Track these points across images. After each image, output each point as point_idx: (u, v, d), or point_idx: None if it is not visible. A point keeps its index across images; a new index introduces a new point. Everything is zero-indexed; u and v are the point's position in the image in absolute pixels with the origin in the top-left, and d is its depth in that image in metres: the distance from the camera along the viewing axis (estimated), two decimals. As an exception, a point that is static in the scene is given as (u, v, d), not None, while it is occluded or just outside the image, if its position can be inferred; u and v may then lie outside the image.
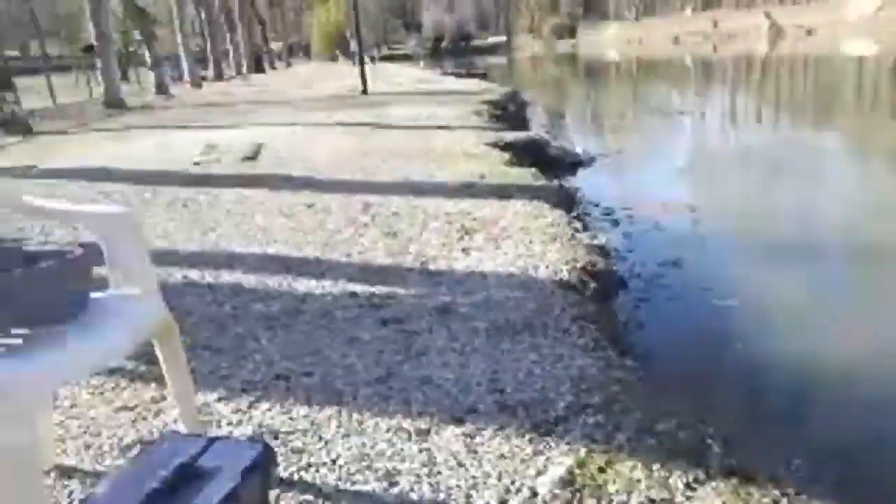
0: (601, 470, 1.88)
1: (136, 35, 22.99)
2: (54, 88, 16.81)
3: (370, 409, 2.22)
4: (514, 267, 3.60)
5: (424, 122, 9.87)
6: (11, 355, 1.44)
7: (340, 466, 1.93)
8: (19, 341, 1.50)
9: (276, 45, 51.83)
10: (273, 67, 42.75)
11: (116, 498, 1.36)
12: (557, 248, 3.88)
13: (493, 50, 69.10)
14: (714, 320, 3.64)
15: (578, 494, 1.79)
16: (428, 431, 2.08)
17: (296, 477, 1.90)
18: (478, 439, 2.04)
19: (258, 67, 37.69)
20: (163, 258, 3.91)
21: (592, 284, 3.56)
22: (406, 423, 2.13)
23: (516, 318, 2.91)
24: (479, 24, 78.76)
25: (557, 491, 1.79)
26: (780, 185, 7.23)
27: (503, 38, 76.44)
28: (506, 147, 7.65)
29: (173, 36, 25.91)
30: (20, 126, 10.86)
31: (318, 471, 1.92)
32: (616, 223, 5.55)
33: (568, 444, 2.00)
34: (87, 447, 2.10)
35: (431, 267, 3.69)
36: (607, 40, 64.94)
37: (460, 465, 1.92)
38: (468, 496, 1.80)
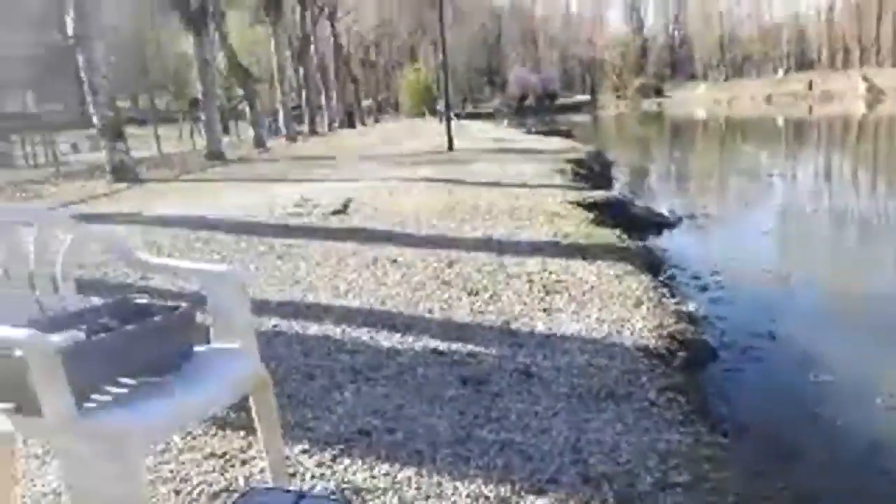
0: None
1: (239, 92, 24.42)
2: (160, 139, 17.98)
3: (450, 472, 2.22)
4: (598, 331, 3.55)
5: (508, 179, 9.96)
6: (120, 405, 1.53)
7: (420, 530, 1.93)
8: (126, 391, 1.59)
9: (366, 102, 53.86)
10: (363, 123, 44.34)
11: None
12: (644, 314, 3.80)
13: (577, 108, 69.42)
14: (810, 397, 3.45)
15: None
16: (509, 501, 2.05)
17: (376, 537, 1.90)
18: (560, 512, 1.99)
19: (349, 123, 39.19)
20: (254, 307, 4.06)
21: (681, 353, 3.46)
22: (487, 490, 2.11)
23: (600, 385, 2.85)
24: (564, 83, 79.50)
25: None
26: (877, 254, 6.88)
27: (587, 97, 76.77)
28: (590, 206, 7.62)
29: (272, 93, 27.37)
30: (129, 173, 11.63)
31: (397, 532, 1.92)
32: (704, 289, 5.39)
33: (654, 523, 1.93)
34: (177, 493, 2.17)
35: (513, 326, 3.68)
36: (695, 100, 64.19)
37: (541, 537, 1.88)
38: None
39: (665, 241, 7.28)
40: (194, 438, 2.52)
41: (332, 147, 21.01)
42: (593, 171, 12.66)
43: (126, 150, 11.81)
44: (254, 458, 2.34)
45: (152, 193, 10.19)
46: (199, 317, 1.86)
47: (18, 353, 1.40)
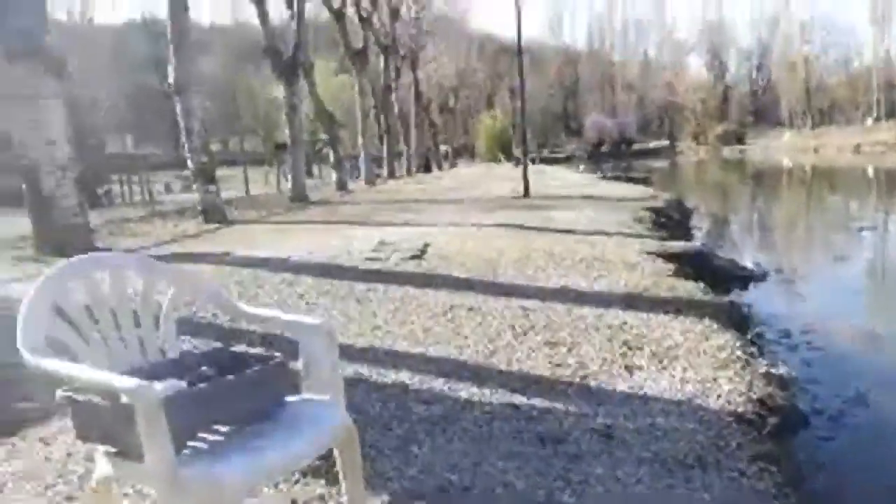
0: None
1: (323, 136, 25.31)
2: (247, 180, 18.76)
3: (530, 536, 2.17)
4: (682, 392, 3.44)
5: (584, 226, 9.88)
6: (216, 454, 1.58)
7: None
8: (221, 438, 1.64)
9: (443, 147, 54.83)
10: (440, 168, 45.10)
11: None
12: (730, 376, 3.66)
13: (654, 154, 68.49)
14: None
15: None
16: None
17: None
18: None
19: (426, 167, 39.93)
20: (334, 352, 4.14)
21: (771, 419, 3.30)
22: (567, 557, 2.05)
23: (686, 451, 2.75)
24: (641, 128, 78.71)
25: None
26: None
27: (665, 143, 75.67)
28: (670, 257, 7.44)
29: (354, 137, 28.23)
30: (218, 214, 12.16)
31: None
32: (794, 349, 5.16)
33: None
34: (261, 539, 2.21)
35: (592, 383, 3.61)
36: (779, 148, 62.21)
37: None
38: None
39: (751, 297, 7.02)
40: (277, 484, 2.56)
41: (410, 191, 21.41)
42: (672, 220, 12.40)
43: (217, 193, 12.38)
44: (334, 508, 2.35)
45: (240, 234, 10.60)
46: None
47: (124, 399, 1.48)
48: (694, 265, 7.44)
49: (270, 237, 9.93)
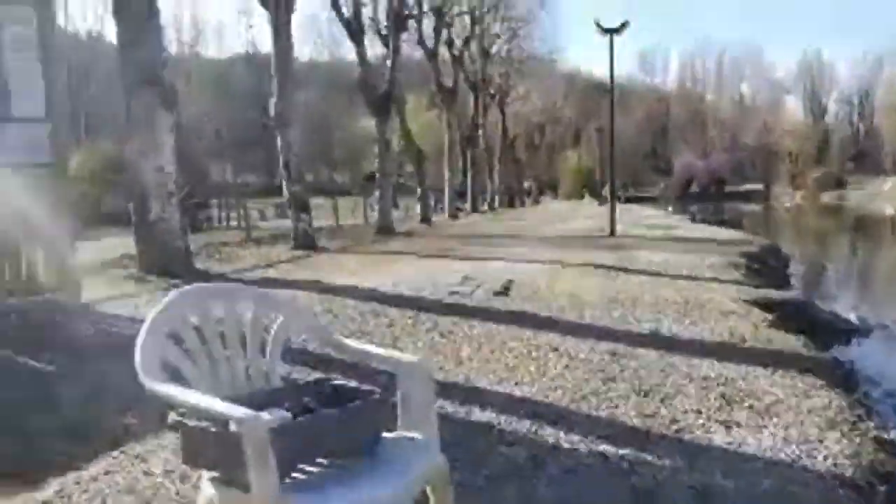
0: None
1: (408, 169, 25.82)
2: (336, 210, 19.31)
3: None
4: (784, 452, 3.24)
5: (675, 270, 9.60)
6: (316, 487, 1.59)
7: None
8: (320, 470, 1.65)
9: (526, 183, 54.84)
10: (522, 203, 45.07)
11: None
12: (837, 438, 3.43)
13: (746, 197, 66.07)
14: None
15: None
16: None
17: None
18: None
19: (510, 203, 39.99)
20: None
21: (881, 487, 3.07)
22: None
23: (791, 517, 2.58)
24: (734, 170, 76.19)
25: None
26: None
27: (759, 186, 72.83)
28: (767, 306, 7.12)
29: (439, 171, 28.68)
30: (309, 242, 12.56)
31: None
32: (906, 412, 4.80)
33: None
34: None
35: (686, 437, 3.46)
36: (881, 196, 58.88)
37: None
38: None
39: (855, 353, 6.61)
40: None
41: (493, 226, 21.47)
42: (768, 267, 11.91)
43: (309, 222, 12.81)
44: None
45: (329, 262, 10.89)
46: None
47: (233, 427, 1.51)
48: (793, 316, 7.09)
49: (358, 267, 10.15)
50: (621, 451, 3.21)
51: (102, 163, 21.76)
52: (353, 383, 1.91)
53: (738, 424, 3.62)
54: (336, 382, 1.92)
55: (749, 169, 78.30)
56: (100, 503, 2.69)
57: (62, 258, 6.16)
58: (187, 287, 1.90)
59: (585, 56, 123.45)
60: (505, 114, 41.31)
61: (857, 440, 3.46)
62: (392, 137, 19.53)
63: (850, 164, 74.57)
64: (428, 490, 1.89)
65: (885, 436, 3.76)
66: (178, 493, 2.69)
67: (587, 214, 28.31)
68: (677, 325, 5.98)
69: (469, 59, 31.26)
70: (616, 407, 3.86)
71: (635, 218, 24.93)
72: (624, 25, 16.55)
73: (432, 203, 24.84)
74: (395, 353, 1.97)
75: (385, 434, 1.84)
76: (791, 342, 5.55)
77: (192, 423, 1.61)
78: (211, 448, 1.59)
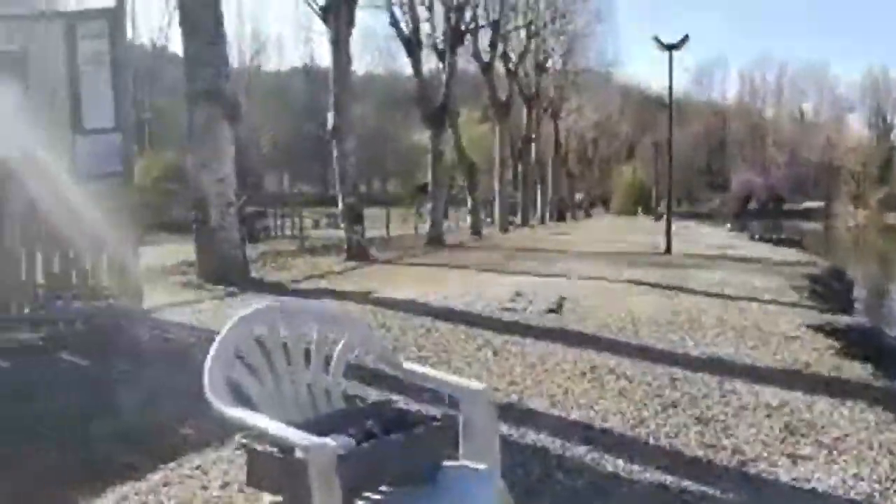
0: None
1: (460, 181, 25.88)
2: (388, 220, 19.47)
3: None
4: (856, 491, 3.09)
5: (734, 291, 9.33)
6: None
7: None
8: (382, 498, 1.63)
9: (578, 196, 54.36)
10: (574, 217, 44.66)
11: None
12: (915, 477, 3.25)
13: (805, 215, 63.95)
14: None
15: None
16: None
17: None
18: None
19: (560, 216, 39.68)
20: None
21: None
22: None
23: (867, 564, 2.44)
24: (793, 188, 73.95)
25: None
26: None
27: (819, 204, 70.45)
28: (832, 332, 6.85)
29: (489, 183, 28.67)
30: (362, 253, 12.66)
31: None
32: None
33: None
34: None
35: (751, 470, 3.33)
36: (953, 216, 56.36)
37: None
38: None
39: (929, 384, 6.27)
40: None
41: (544, 240, 21.30)
42: (831, 290, 11.47)
43: (362, 233, 12.93)
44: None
45: (381, 274, 10.95)
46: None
47: (299, 454, 1.50)
48: (859, 343, 6.79)
49: (409, 279, 10.17)
50: (683, 484, 3.11)
51: (165, 171, 22.47)
52: (414, 407, 1.88)
53: (805, 458, 3.48)
54: (398, 406, 1.90)
55: (809, 186, 75.87)
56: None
57: (126, 265, 6.34)
58: (257, 306, 1.92)
59: (641, 70, 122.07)
60: (558, 127, 41.09)
61: (937, 481, 3.27)
62: (445, 150, 19.61)
63: (919, 182, 71.52)
64: (488, 520, 1.84)
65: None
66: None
67: (640, 230, 27.85)
68: (737, 350, 5.81)
69: (524, 72, 31.22)
70: (676, 436, 3.74)
71: (692, 235, 24.43)
72: (684, 41, 16.29)
73: (483, 217, 24.80)
74: (459, 380, 1.95)
75: (446, 462, 1.81)
76: (857, 370, 5.32)
77: (258, 446, 1.62)
78: (276, 472, 1.58)
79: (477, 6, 21.76)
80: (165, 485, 2.97)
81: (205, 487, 2.92)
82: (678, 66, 18.46)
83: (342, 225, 13.09)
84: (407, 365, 2.01)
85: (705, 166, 78.56)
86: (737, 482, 3.18)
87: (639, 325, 6.75)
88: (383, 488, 1.65)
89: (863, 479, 3.22)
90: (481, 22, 23.19)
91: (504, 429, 3.78)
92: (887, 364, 6.36)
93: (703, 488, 3.08)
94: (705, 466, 3.36)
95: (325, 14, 12.57)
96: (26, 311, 5.45)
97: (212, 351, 1.75)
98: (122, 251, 6.29)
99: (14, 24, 6.13)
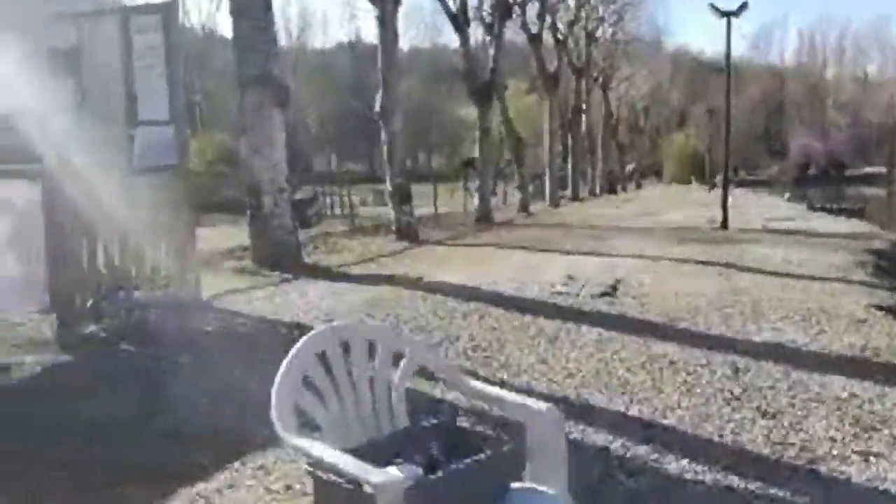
0: None
1: (507, 156, 25.60)
2: (436, 197, 19.40)
3: None
4: (938, 495, 2.95)
5: (796, 269, 9.02)
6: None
7: None
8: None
9: (629, 167, 53.29)
10: (624, 189, 43.86)
11: None
12: None
13: (868, 181, 61.37)
14: None
15: None
16: None
17: None
18: None
19: (611, 189, 39.01)
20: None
21: None
22: None
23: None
24: (855, 152, 70.89)
25: None
26: None
27: (881, 169, 67.41)
28: (903, 314, 6.55)
29: (538, 157, 28.30)
30: (411, 234, 12.65)
31: None
32: None
33: None
34: None
35: (822, 469, 3.22)
36: None
37: None
38: None
39: None
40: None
41: (595, 215, 20.96)
42: (897, 266, 10.97)
43: (411, 213, 12.91)
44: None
45: (430, 256, 10.94)
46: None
47: (368, 489, 1.49)
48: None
49: (459, 261, 10.13)
50: (750, 486, 3.02)
51: (217, 154, 22.87)
52: (478, 428, 1.85)
53: (879, 456, 3.34)
54: (462, 426, 1.87)
55: (872, 150, 72.63)
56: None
57: (184, 254, 6.49)
58: (322, 328, 1.91)
59: (693, 34, 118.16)
60: (608, 97, 40.22)
61: None
62: (492, 124, 19.38)
63: None
64: (556, 544, 1.81)
65: None
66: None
67: (694, 202, 27.16)
68: (803, 335, 5.61)
69: (573, 42, 30.55)
70: (741, 432, 3.64)
71: (748, 206, 23.69)
72: (743, 7, 15.64)
73: (531, 192, 24.49)
74: (525, 400, 1.90)
75: (515, 484, 1.77)
76: (933, 358, 5.08)
77: (324, 476, 1.61)
78: (344, 503, 1.58)
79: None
80: (229, 486, 3.02)
81: (269, 490, 2.96)
82: (735, 33, 17.74)
83: (390, 205, 13.08)
84: (470, 382, 1.98)
85: (762, 132, 75.94)
86: (807, 483, 3.08)
87: (697, 309, 6.58)
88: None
89: (943, 481, 3.08)
90: (530, -7, 22.73)
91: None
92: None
93: (772, 490, 2.99)
94: (773, 465, 3.27)
95: (372, -8, 12.48)
96: (89, 304, 5.61)
97: (278, 377, 1.75)
98: (180, 241, 6.43)
99: (69, 20, 6.23)
